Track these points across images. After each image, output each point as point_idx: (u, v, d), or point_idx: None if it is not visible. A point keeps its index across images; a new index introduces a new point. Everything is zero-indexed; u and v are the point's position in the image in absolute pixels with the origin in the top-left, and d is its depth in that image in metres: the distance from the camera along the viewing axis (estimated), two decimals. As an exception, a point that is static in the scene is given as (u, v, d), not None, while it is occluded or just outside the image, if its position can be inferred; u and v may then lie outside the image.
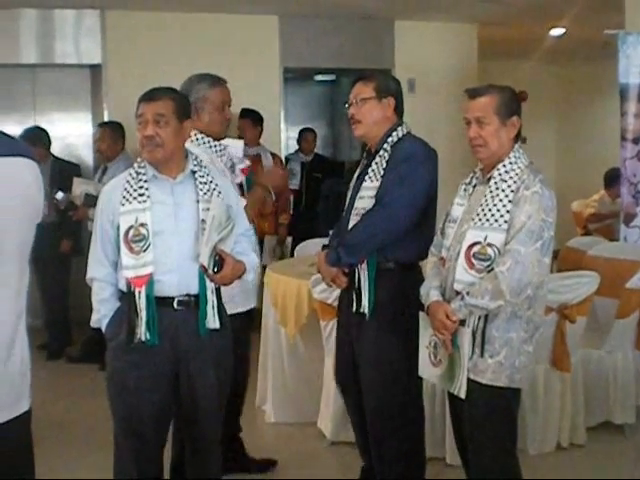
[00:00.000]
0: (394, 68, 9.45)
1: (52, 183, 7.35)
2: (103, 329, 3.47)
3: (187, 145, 3.54)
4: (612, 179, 8.11)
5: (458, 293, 3.36)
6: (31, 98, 8.74)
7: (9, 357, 2.42)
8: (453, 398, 3.55)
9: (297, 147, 9.08)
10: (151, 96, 3.39)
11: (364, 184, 3.88)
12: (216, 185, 3.46)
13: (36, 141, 7.22)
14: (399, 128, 3.91)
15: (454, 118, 7.33)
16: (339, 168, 9.48)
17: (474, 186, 3.52)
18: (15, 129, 8.55)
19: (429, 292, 3.52)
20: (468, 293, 3.30)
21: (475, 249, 3.32)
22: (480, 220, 3.34)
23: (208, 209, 3.35)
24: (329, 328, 4.81)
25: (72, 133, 8.62)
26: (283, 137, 9.13)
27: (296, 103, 10.74)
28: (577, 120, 13.26)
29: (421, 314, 3.61)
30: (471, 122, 3.43)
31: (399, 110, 3.96)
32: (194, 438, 3.60)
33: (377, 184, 3.80)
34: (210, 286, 3.39)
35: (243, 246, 3.55)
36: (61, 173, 7.45)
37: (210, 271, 3.33)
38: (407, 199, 3.75)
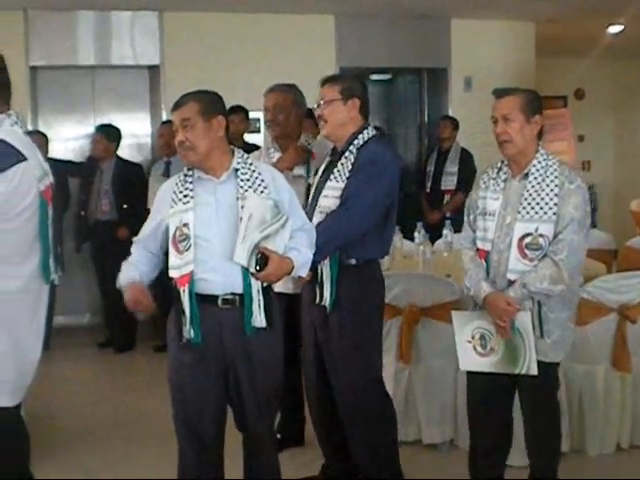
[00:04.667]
0: (450, 67, 9.46)
1: (114, 182, 7.49)
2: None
3: None
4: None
5: (511, 282, 3.65)
6: (90, 99, 8.87)
7: None
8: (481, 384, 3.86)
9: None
10: (177, 104, 3.45)
11: (329, 183, 4.00)
12: (261, 181, 3.46)
13: (111, 137, 7.55)
14: (365, 131, 4.02)
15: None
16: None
17: (504, 180, 3.78)
18: (75, 130, 8.74)
19: (480, 285, 3.75)
20: (525, 282, 3.60)
21: (527, 240, 3.62)
22: (528, 213, 3.63)
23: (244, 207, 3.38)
24: (387, 327, 4.81)
25: (130, 133, 8.70)
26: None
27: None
28: (635, 118, 13.09)
29: (454, 313, 3.91)
30: (498, 120, 3.71)
31: (365, 111, 4.07)
32: (248, 440, 3.63)
33: (342, 185, 3.93)
34: (256, 285, 3.39)
35: (297, 241, 3.51)
36: (124, 173, 7.61)
37: (252, 269, 3.33)
38: (369, 203, 3.89)
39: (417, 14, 9.07)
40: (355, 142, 3.97)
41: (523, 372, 3.69)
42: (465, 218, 3.99)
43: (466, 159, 8.30)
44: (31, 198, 2.64)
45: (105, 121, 8.25)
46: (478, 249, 3.84)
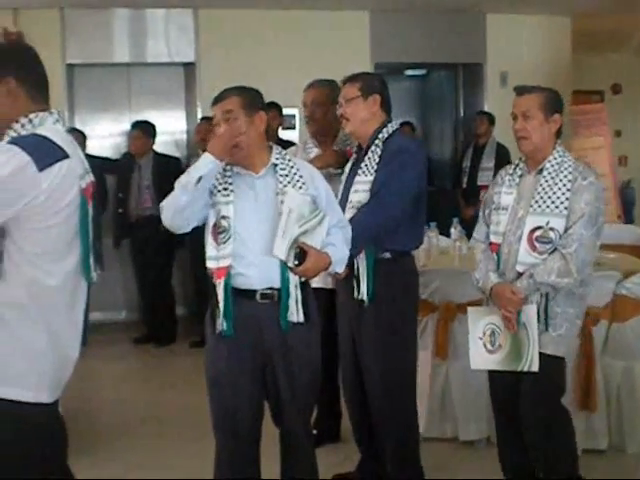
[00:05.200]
0: (486, 62, 9.42)
1: (154, 177, 7.57)
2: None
3: None
4: None
5: (520, 274, 3.68)
6: (126, 96, 8.93)
7: None
8: (500, 380, 3.85)
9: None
10: (218, 97, 3.46)
11: (357, 178, 4.04)
12: (300, 177, 3.47)
13: (148, 133, 7.69)
14: (389, 125, 4.08)
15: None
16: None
17: (520, 176, 3.83)
18: (111, 127, 8.80)
19: (488, 276, 3.81)
20: (532, 273, 3.62)
21: (537, 233, 3.66)
22: (540, 207, 3.68)
23: (284, 202, 3.39)
24: (423, 324, 4.81)
25: (166, 130, 8.74)
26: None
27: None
28: (673, 113, 12.94)
29: (470, 309, 3.95)
30: (517, 116, 3.76)
31: (386, 107, 4.12)
32: (285, 435, 3.63)
33: (371, 178, 3.98)
34: (294, 279, 3.40)
35: (333, 238, 3.53)
36: (163, 167, 7.69)
37: (291, 264, 3.35)
38: (399, 191, 3.94)
39: (452, 9, 9.04)
40: (380, 136, 4.03)
41: (525, 369, 3.69)
42: (480, 213, 4.05)
43: (502, 154, 8.27)
44: (72, 196, 2.66)
45: (141, 118, 8.29)
46: (491, 243, 3.88)
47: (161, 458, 4.90)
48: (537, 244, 3.67)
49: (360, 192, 3.99)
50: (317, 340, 3.58)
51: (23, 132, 2.66)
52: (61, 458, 2.84)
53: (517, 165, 3.88)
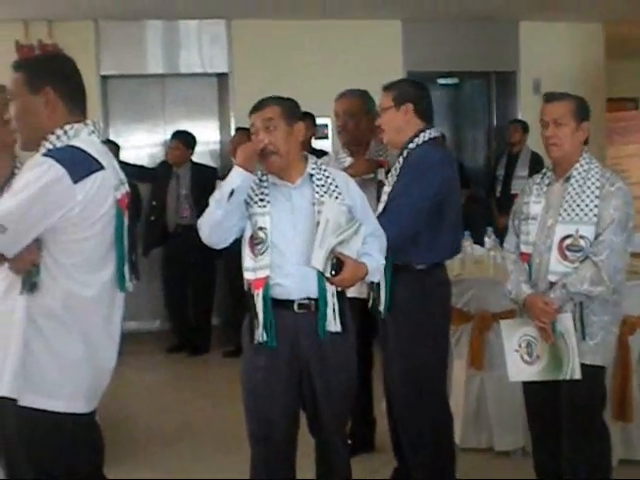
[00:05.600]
0: (519, 69, 9.39)
1: (193, 186, 7.67)
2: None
3: None
4: None
5: (552, 283, 3.65)
6: (160, 107, 9.00)
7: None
8: (536, 391, 3.83)
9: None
10: (258, 105, 3.47)
11: (384, 189, 4.10)
12: (336, 187, 3.48)
13: (188, 144, 7.84)
14: (422, 134, 4.03)
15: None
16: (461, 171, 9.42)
17: (547, 184, 3.81)
18: (146, 138, 8.86)
19: (520, 287, 3.79)
20: (565, 283, 3.60)
21: (567, 242, 3.64)
22: (569, 215, 3.66)
23: (320, 212, 3.40)
24: (458, 333, 4.79)
25: (200, 141, 8.75)
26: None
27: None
28: None
29: (502, 323, 3.94)
30: (548, 123, 3.73)
31: (422, 114, 4.07)
32: (321, 445, 3.64)
33: (390, 189, 4.01)
34: (331, 289, 3.41)
35: (369, 247, 3.53)
36: (201, 177, 7.78)
37: (327, 274, 3.36)
38: (412, 202, 3.91)
39: (485, 17, 9.02)
40: (410, 146, 4.01)
41: (567, 377, 3.66)
42: (509, 223, 4.03)
43: (537, 163, 8.22)
44: (107, 207, 2.69)
45: (175, 129, 8.36)
46: (521, 253, 3.86)
47: (195, 467, 4.93)
48: (568, 253, 3.65)
49: (383, 202, 4.01)
50: (353, 349, 3.59)
51: (58, 144, 2.69)
52: (97, 467, 2.87)
53: (544, 174, 3.87)
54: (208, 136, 9.07)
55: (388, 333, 4.07)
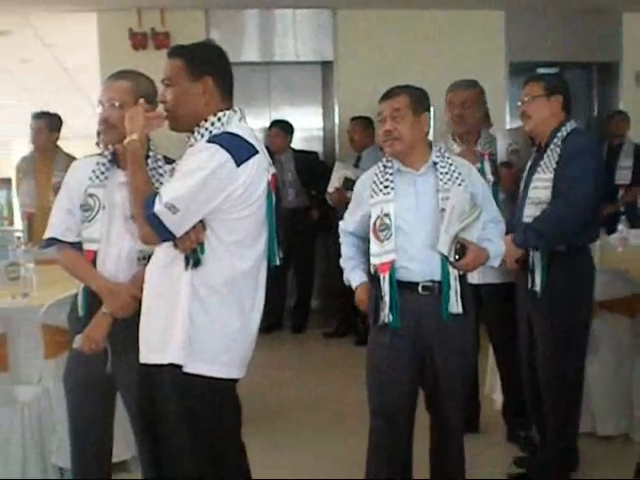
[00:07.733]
0: (622, 60, 9.34)
1: (299, 172, 7.98)
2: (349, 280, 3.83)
3: None
4: None
5: None
6: (266, 94, 9.18)
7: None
8: None
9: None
10: (388, 94, 3.60)
11: (536, 175, 4.21)
12: (459, 174, 3.58)
13: (287, 131, 8.11)
14: (567, 124, 4.20)
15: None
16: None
17: None
18: (252, 124, 9.03)
19: None
20: None
21: None
22: None
23: (447, 198, 3.50)
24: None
25: (303, 127, 9.00)
26: (509, 131, 9.09)
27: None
28: None
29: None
30: None
31: (567, 107, 4.25)
32: (437, 423, 3.75)
33: (550, 175, 4.12)
34: (453, 272, 3.53)
35: (489, 232, 3.65)
36: (304, 162, 8.06)
37: (451, 258, 3.48)
38: (587, 193, 4.06)
39: (588, 8, 9.00)
40: (559, 135, 4.15)
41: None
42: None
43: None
44: (263, 188, 2.87)
45: (280, 116, 8.57)
46: None
47: (314, 438, 5.13)
48: None
49: (540, 189, 4.15)
50: (472, 331, 3.72)
51: (214, 130, 2.87)
52: (237, 428, 3.07)
53: None
54: (311, 123, 9.24)
55: (538, 313, 4.22)
